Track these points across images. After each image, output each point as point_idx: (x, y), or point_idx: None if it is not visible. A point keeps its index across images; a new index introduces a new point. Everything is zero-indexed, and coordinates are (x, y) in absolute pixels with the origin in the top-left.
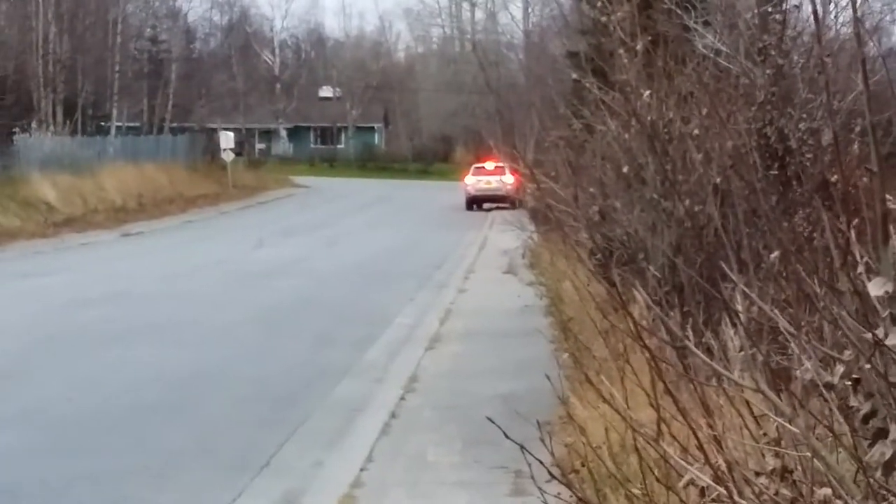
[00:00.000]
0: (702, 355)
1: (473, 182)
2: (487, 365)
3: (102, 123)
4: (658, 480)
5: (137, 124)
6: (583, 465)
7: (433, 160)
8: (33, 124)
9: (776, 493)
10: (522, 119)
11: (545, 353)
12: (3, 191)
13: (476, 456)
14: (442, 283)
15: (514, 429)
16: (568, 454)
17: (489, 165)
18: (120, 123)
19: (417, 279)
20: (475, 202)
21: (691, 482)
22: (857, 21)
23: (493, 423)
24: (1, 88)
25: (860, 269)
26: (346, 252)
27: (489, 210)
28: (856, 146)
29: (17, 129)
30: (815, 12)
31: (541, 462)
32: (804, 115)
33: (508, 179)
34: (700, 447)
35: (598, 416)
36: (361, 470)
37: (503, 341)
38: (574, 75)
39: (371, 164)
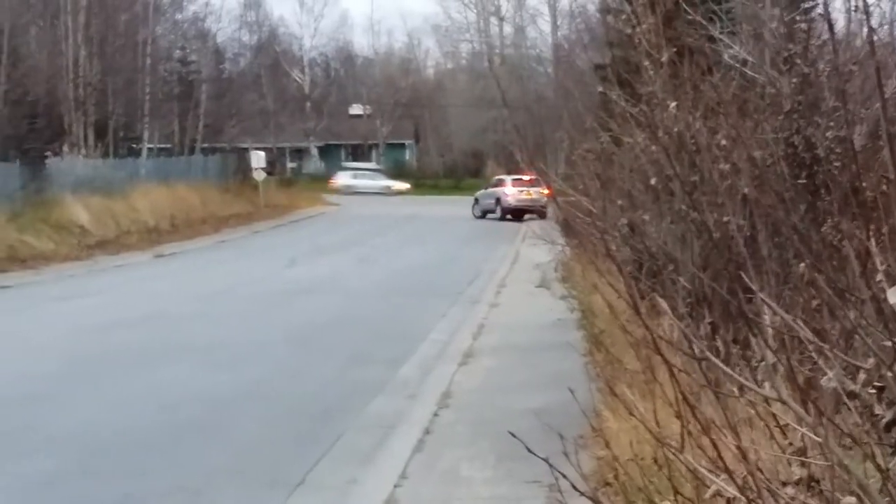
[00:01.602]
0: (722, 366)
1: (514, 193)
2: (521, 379)
3: (134, 145)
4: (679, 492)
5: (169, 145)
6: (615, 479)
7: (464, 175)
8: (65, 147)
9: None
10: (552, 133)
11: (578, 366)
12: (37, 214)
13: (509, 470)
14: (474, 298)
15: (547, 443)
16: (600, 467)
17: (527, 178)
18: (151, 145)
19: (450, 295)
20: (514, 213)
21: (718, 493)
22: (871, 30)
23: (516, 437)
24: (32, 112)
25: (879, 276)
26: (378, 269)
27: (523, 221)
28: (885, 153)
29: (49, 153)
30: (829, 22)
31: (565, 476)
32: (831, 124)
33: (545, 191)
34: (720, 458)
35: (630, 429)
36: (395, 486)
37: (536, 355)
38: (601, 88)
39: (402, 180)
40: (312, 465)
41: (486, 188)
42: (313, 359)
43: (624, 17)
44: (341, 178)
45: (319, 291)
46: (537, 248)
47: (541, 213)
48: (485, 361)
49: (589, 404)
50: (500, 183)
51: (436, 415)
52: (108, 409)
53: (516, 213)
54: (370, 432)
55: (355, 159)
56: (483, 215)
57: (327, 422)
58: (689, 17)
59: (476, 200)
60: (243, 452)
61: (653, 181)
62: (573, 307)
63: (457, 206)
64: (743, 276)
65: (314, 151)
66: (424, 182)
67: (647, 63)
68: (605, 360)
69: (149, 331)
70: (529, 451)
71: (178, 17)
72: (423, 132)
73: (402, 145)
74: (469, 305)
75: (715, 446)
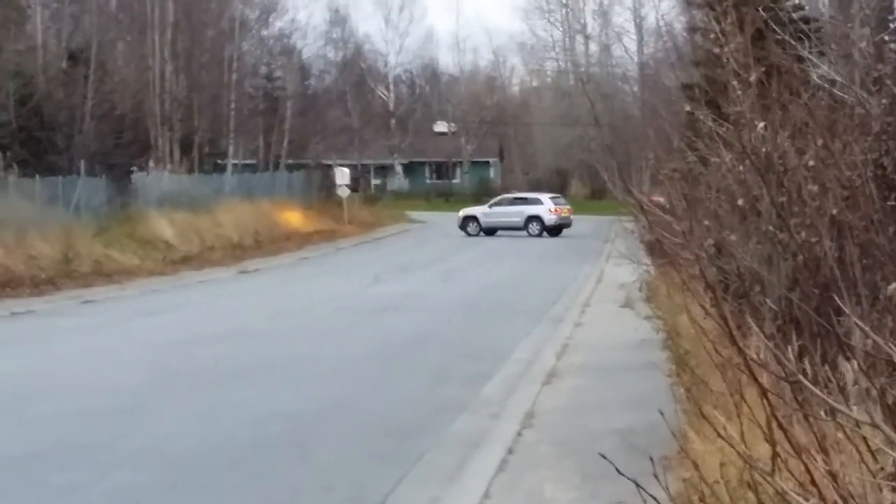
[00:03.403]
0: (815, 389)
1: (559, 210)
2: (605, 399)
3: (219, 161)
4: None
5: (253, 161)
6: (700, 501)
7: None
8: (151, 162)
9: None
10: (637, 152)
11: (663, 387)
12: (122, 229)
13: (594, 491)
14: (558, 317)
15: (631, 464)
16: (685, 489)
17: (562, 198)
18: (236, 161)
19: (534, 314)
20: (554, 229)
21: None
22: None
23: (607, 459)
24: (119, 127)
25: None
26: (461, 287)
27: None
28: None
29: (135, 168)
30: None
31: (654, 499)
32: None
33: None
34: (813, 482)
35: (715, 451)
36: None
37: (620, 375)
38: (688, 107)
39: (486, 198)
40: (395, 484)
41: (490, 206)
42: (396, 376)
43: (712, 35)
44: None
45: (402, 309)
46: (622, 267)
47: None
48: (569, 381)
49: (674, 425)
50: (523, 201)
51: (519, 434)
52: (192, 423)
53: (557, 230)
54: (453, 451)
55: (439, 177)
56: (478, 233)
57: (410, 440)
58: (778, 37)
59: (473, 218)
60: (326, 469)
61: (740, 202)
62: (658, 327)
63: None
64: (835, 297)
65: (398, 168)
66: None
67: (735, 83)
68: (691, 381)
69: (233, 346)
70: (619, 472)
71: (264, 33)
72: (508, 150)
73: (487, 163)
74: (553, 324)
75: (808, 470)
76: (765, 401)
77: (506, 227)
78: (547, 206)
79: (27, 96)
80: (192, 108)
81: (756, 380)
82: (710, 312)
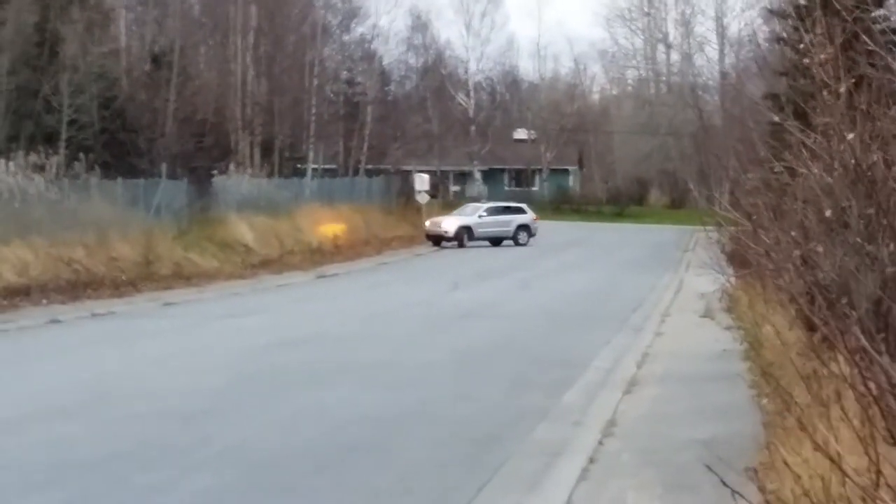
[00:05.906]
0: None
1: (536, 217)
2: (686, 409)
3: (299, 165)
4: None
5: (333, 166)
6: None
7: (628, 203)
8: (231, 166)
9: None
10: (719, 162)
11: (744, 398)
12: (203, 232)
13: (676, 501)
14: (638, 326)
15: (714, 474)
16: (772, 501)
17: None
18: (316, 165)
19: (613, 322)
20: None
21: None
22: None
23: (713, 471)
24: (200, 131)
25: None
26: (540, 294)
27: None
28: None
29: (215, 171)
30: None
31: None
32: None
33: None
34: None
35: (800, 463)
36: None
37: (701, 385)
38: (775, 118)
39: (565, 206)
40: (478, 491)
41: (480, 216)
42: (476, 382)
43: (801, 46)
44: None
45: (481, 315)
46: (701, 277)
47: None
48: (650, 390)
49: (755, 435)
50: (508, 210)
51: (600, 443)
52: (274, 426)
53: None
54: (535, 459)
55: (518, 184)
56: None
57: (491, 446)
58: (867, 47)
59: (466, 229)
60: (408, 475)
61: (827, 213)
62: (739, 338)
63: (621, 233)
64: None
65: (477, 175)
66: (587, 209)
67: (824, 93)
68: (775, 393)
69: (313, 350)
70: (725, 483)
71: (346, 38)
72: (587, 158)
73: (566, 171)
74: (633, 333)
75: None
76: (868, 412)
77: (496, 236)
78: (530, 215)
79: (110, 99)
80: (272, 113)
81: (871, 393)
82: (817, 323)
